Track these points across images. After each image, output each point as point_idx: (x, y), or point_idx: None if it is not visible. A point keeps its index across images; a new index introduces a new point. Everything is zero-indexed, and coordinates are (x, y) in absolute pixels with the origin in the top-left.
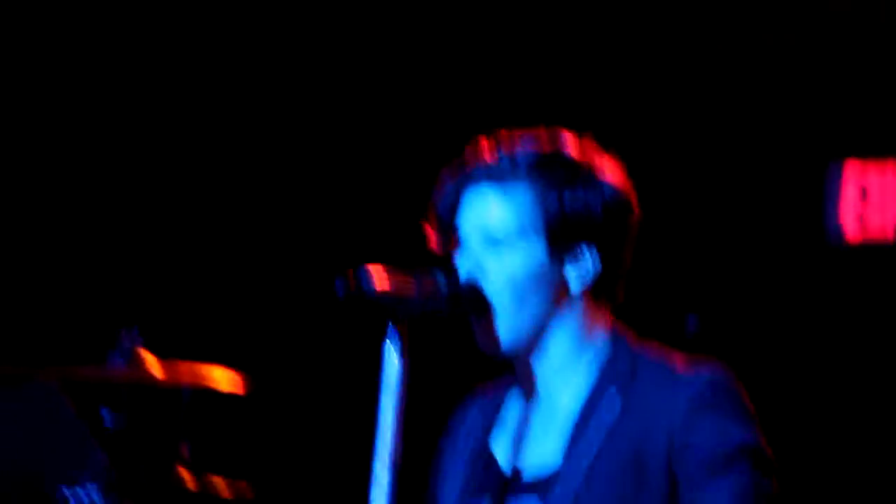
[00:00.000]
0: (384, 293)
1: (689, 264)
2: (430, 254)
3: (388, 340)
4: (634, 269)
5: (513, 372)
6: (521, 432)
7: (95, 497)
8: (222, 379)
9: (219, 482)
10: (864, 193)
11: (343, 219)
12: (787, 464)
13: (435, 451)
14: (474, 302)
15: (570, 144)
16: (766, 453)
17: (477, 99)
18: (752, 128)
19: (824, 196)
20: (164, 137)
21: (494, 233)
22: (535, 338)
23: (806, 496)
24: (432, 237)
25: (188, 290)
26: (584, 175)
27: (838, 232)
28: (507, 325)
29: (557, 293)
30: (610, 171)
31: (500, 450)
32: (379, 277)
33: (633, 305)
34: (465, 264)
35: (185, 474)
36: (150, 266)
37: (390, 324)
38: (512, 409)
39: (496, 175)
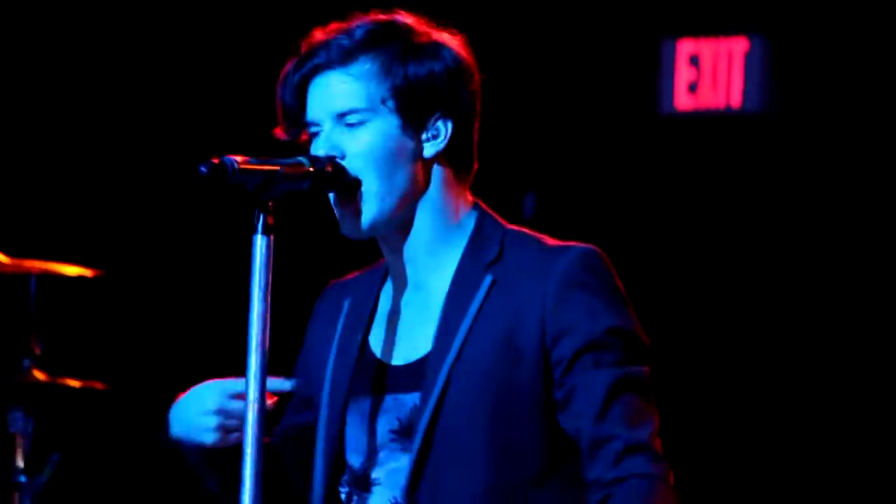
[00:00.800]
0: (248, 171)
1: (524, 143)
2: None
3: (255, 224)
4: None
5: (380, 257)
6: (396, 322)
7: None
8: (72, 270)
9: (73, 383)
10: (696, 66)
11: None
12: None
13: (302, 337)
14: (337, 178)
15: (407, 18)
16: (639, 337)
17: None
18: (585, 5)
19: (657, 71)
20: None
21: (345, 113)
22: (400, 215)
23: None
24: (281, 135)
25: (41, 186)
26: (424, 44)
27: (671, 103)
28: (372, 201)
29: (417, 166)
30: (449, 40)
31: (377, 342)
32: (243, 160)
33: (469, 188)
34: (321, 146)
35: (37, 373)
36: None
37: (256, 208)
38: (385, 299)
39: (337, 56)
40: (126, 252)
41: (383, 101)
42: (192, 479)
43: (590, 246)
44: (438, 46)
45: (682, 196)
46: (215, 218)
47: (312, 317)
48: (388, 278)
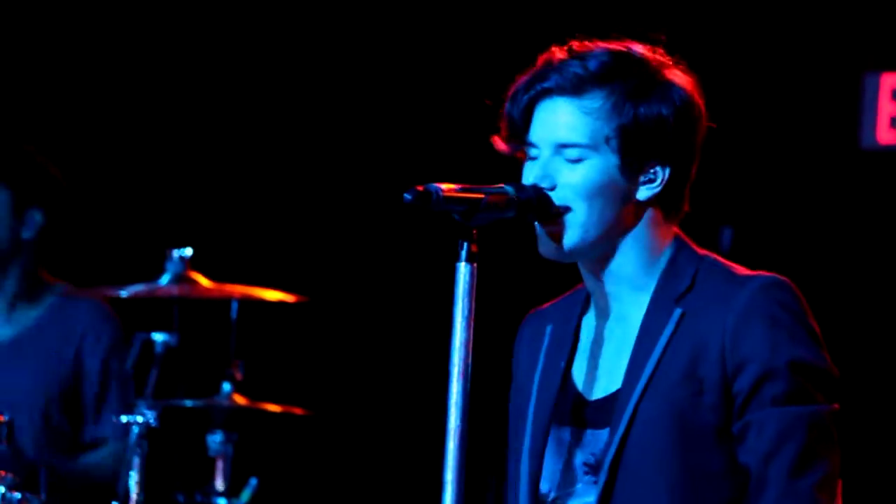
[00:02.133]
0: (452, 198)
1: (723, 176)
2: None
3: (459, 252)
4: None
5: (578, 283)
6: (596, 354)
7: (152, 422)
8: (274, 295)
9: (273, 408)
10: None
11: (409, 142)
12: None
13: (506, 363)
14: (543, 209)
15: (642, 51)
16: (827, 372)
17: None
18: (786, 38)
19: (859, 105)
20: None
21: (568, 145)
22: (601, 247)
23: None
24: (501, 146)
25: (244, 211)
26: (656, 84)
27: (872, 137)
28: (576, 229)
29: (627, 205)
30: (681, 80)
31: (578, 373)
32: (447, 188)
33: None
34: (535, 173)
35: (238, 397)
36: (206, 187)
37: (461, 235)
38: (587, 328)
39: (568, 85)
40: (329, 278)
41: (607, 140)
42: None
43: (777, 276)
44: (670, 87)
45: (883, 231)
46: (419, 245)
47: (517, 345)
48: (590, 307)
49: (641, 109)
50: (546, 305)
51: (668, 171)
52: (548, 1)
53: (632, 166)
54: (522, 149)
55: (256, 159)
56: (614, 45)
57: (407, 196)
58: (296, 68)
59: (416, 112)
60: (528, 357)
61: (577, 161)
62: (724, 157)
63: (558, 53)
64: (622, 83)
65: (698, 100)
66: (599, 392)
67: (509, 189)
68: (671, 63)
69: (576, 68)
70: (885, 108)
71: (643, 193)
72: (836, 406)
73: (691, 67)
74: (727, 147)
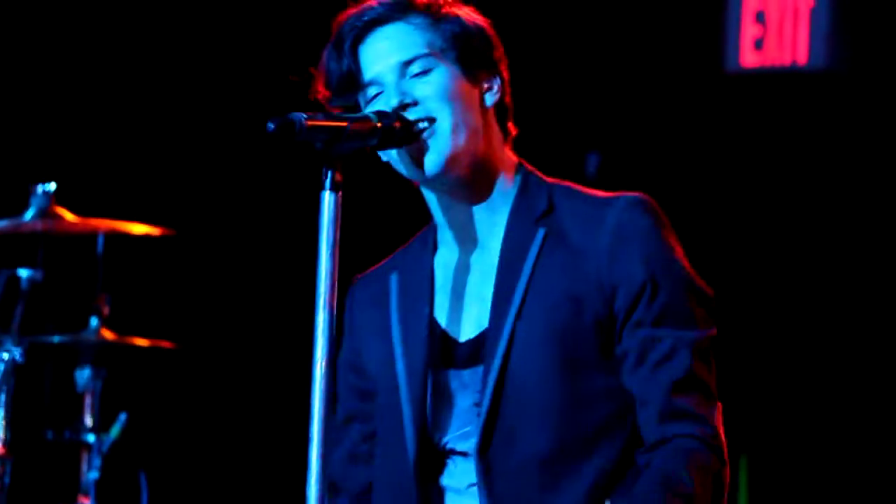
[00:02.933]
0: (315, 127)
1: (588, 101)
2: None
3: (323, 181)
4: (532, 109)
5: (426, 231)
6: (458, 290)
7: (18, 358)
8: (139, 228)
9: (141, 342)
10: (762, 23)
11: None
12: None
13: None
14: (406, 131)
15: None
16: (703, 289)
17: None
18: None
19: (722, 29)
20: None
21: (411, 60)
22: (470, 158)
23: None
24: (334, 99)
25: (108, 145)
26: (457, 9)
27: (736, 60)
28: (445, 138)
29: (481, 113)
30: (475, 14)
31: (443, 314)
32: (311, 116)
33: (531, 145)
34: (393, 97)
35: (105, 332)
36: (69, 121)
37: (325, 164)
38: (442, 267)
39: (390, 10)
40: (194, 210)
41: (443, 51)
42: (253, 435)
43: (640, 194)
44: (470, 13)
45: (747, 154)
46: (284, 175)
47: (347, 312)
48: (440, 246)
49: (462, 20)
50: (374, 268)
51: (499, 80)
52: None
53: (471, 74)
54: (355, 101)
55: (119, 91)
56: None
57: (270, 125)
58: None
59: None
60: (370, 317)
61: (425, 73)
62: (589, 83)
63: (354, 5)
64: (434, 10)
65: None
66: (472, 327)
67: (372, 116)
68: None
69: (389, 4)
70: (748, 30)
71: (489, 100)
72: (714, 331)
73: None
74: (592, 73)
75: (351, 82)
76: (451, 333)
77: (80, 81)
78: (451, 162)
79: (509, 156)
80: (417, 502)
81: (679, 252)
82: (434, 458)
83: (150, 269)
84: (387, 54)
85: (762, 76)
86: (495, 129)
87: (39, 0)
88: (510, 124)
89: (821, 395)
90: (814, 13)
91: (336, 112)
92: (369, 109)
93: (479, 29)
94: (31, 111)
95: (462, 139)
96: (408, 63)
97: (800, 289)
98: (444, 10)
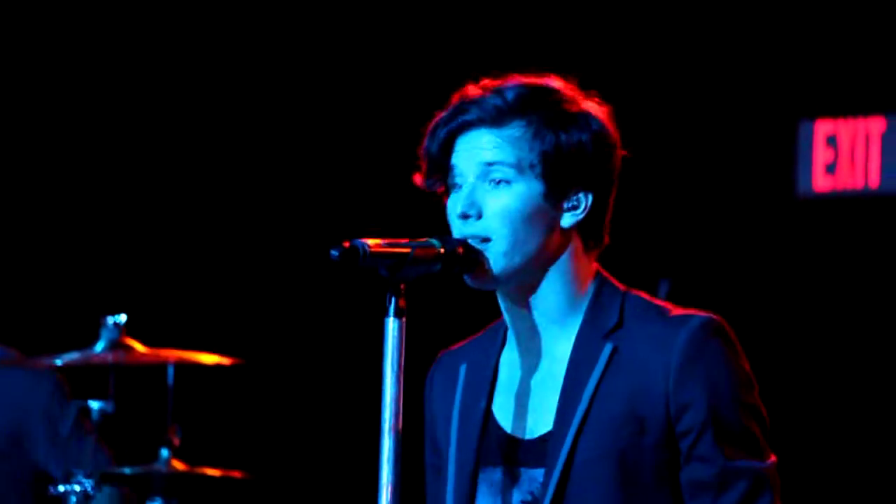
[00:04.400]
0: (378, 254)
1: (659, 228)
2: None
3: (387, 307)
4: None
5: (500, 324)
6: (521, 391)
7: (90, 490)
8: (209, 359)
9: (212, 472)
10: (834, 147)
11: (332, 196)
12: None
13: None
14: (469, 259)
15: (558, 83)
16: (763, 416)
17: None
18: (721, 86)
19: (794, 152)
20: (147, 123)
21: (494, 163)
22: (526, 275)
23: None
24: (423, 180)
25: (176, 277)
26: (574, 113)
27: (808, 184)
28: (499, 257)
29: (552, 233)
30: (597, 110)
31: (502, 411)
32: (373, 243)
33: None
34: (460, 203)
35: (176, 463)
36: (138, 253)
37: (388, 291)
38: (507, 365)
39: (489, 116)
40: (263, 340)
41: (531, 167)
42: None
43: (711, 315)
44: (588, 116)
45: (821, 280)
46: (350, 303)
47: (428, 389)
48: (507, 343)
49: (562, 136)
50: (456, 346)
51: (590, 197)
52: (457, 43)
53: (556, 192)
54: (444, 186)
55: (186, 224)
56: (529, 79)
57: (334, 253)
58: (224, 129)
59: (337, 167)
60: (442, 401)
61: (503, 185)
62: (662, 208)
63: (473, 89)
64: (541, 112)
65: (614, 129)
66: (530, 431)
67: (435, 242)
68: (587, 95)
69: (495, 100)
70: (819, 154)
71: (567, 220)
72: (774, 458)
73: (628, 115)
74: (664, 198)
75: (441, 169)
76: (512, 433)
77: (146, 213)
78: (505, 276)
79: (589, 265)
80: None
81: (748, 377)
82: None
83: (220, 399)
84: (471, 154)
85: (834, 200)
86: (574, 242)
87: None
88: (603, 235)
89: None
90: (885, 137)
91: (400, 241)
92: (448, 203)
93: (584, 143)
94: (101, 242)
95: (517, 261)
96: (490, 164)
97: (876, 419)
98: (558, 114)
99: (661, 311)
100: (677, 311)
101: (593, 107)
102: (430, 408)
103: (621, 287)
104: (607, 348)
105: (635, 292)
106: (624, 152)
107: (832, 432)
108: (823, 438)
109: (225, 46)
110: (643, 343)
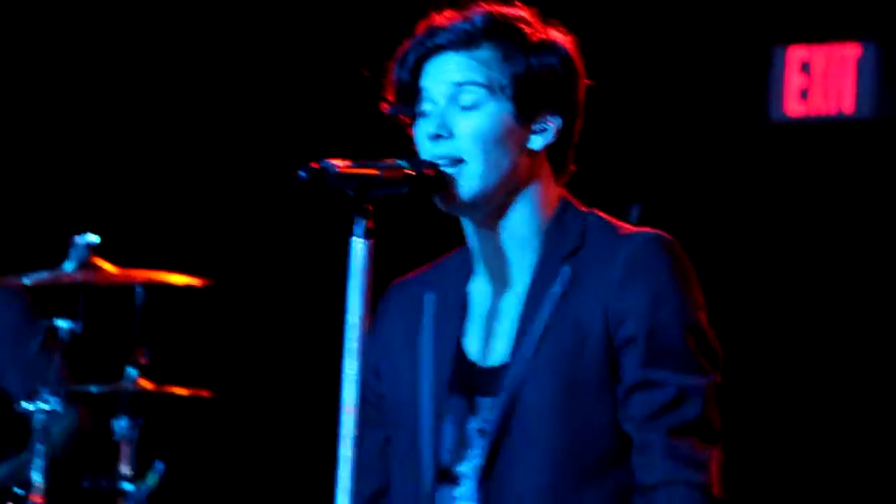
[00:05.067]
0: (346, 175)
1: (631, 151)
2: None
3: (354, 228)
4: (575, 160)
5: (460, 252)
6: (488, 321)
7: (57, 408)
8: (179, 279)
9: (179, 391)
10: (807, 73)
11: (301, 118)
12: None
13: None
14: (439, 181)
15: (523, 11)
16: (709, 336)
17: None
18: (694, 13)
19: (767, 78)
20: (116, 48)
21: (464, 83)
22: (499, 198)
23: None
24: (391, 107)
25: (146, 198)
26: (542, 39)
27: (780, 109)
28: (473, 179)
29: (522, 155)
30: (563, 39)
31: (471, 341)
32: (341, 164)
33: (574, 196)
34: (431, 124)
35: (143, 381)
36: (108, 173)
37: (356, 212)
38: (477, 295)
39: (459, 39)
40: (232, 260)
41: (501, 88)
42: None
43: (661, 232)
44: (554, 43)
45: (792, 204)
46: (318, 223)
47: (380, 317)
48: (475, 271)
49: (532, 59)
50: (413, 274)
51: (559, 121)
52: None
53: (526, 114)
54: (413, 113)
55: (157, 144)
56: (495, 7)
57: (301, 174)
58: (192, 55)
59: (303, 89)
60: (400, 328)
61: (473, 108)
62: (634, 134)
63: (439, 17)
64: (511, 36)
65: (578, 57)
66: (492, 360)
67: (403, 163)
68: (550, 25)
69: (464, 25)
70: (793, 80)
71: (537, 143)
72: (719, 377)
73: (598, 37)
74: (634, 123)
75: (410, 95)
76: (477, 362)
77: (120, 132)
78: (479, 199)
79: (555, 191)
80: None
81: (693, 297)
82: (440, 477)
83: (188, 319)
84: (442, 76)
85: (808, 126)
86: (543, 167)
87: (82, 44)
88: (570, 162)
89: (810, 399)
90: (860, 63)
91: (366, 161)
92: (415, 129)
93: (553, 67)
94: (70, 162)
95: (492, 181)
96: (460, 85)
97: (844, 342)
98: (526, 39)
99: (615, 229)
100: (631, 228)
101: (559, 35)
102: (381, 336)
103: (583, 209)
104: (564, 272)
105: (598, 213)
106: (589, 82)
107: (804, 365)
108: (796, 368)
109: None
110: (595, 260)
